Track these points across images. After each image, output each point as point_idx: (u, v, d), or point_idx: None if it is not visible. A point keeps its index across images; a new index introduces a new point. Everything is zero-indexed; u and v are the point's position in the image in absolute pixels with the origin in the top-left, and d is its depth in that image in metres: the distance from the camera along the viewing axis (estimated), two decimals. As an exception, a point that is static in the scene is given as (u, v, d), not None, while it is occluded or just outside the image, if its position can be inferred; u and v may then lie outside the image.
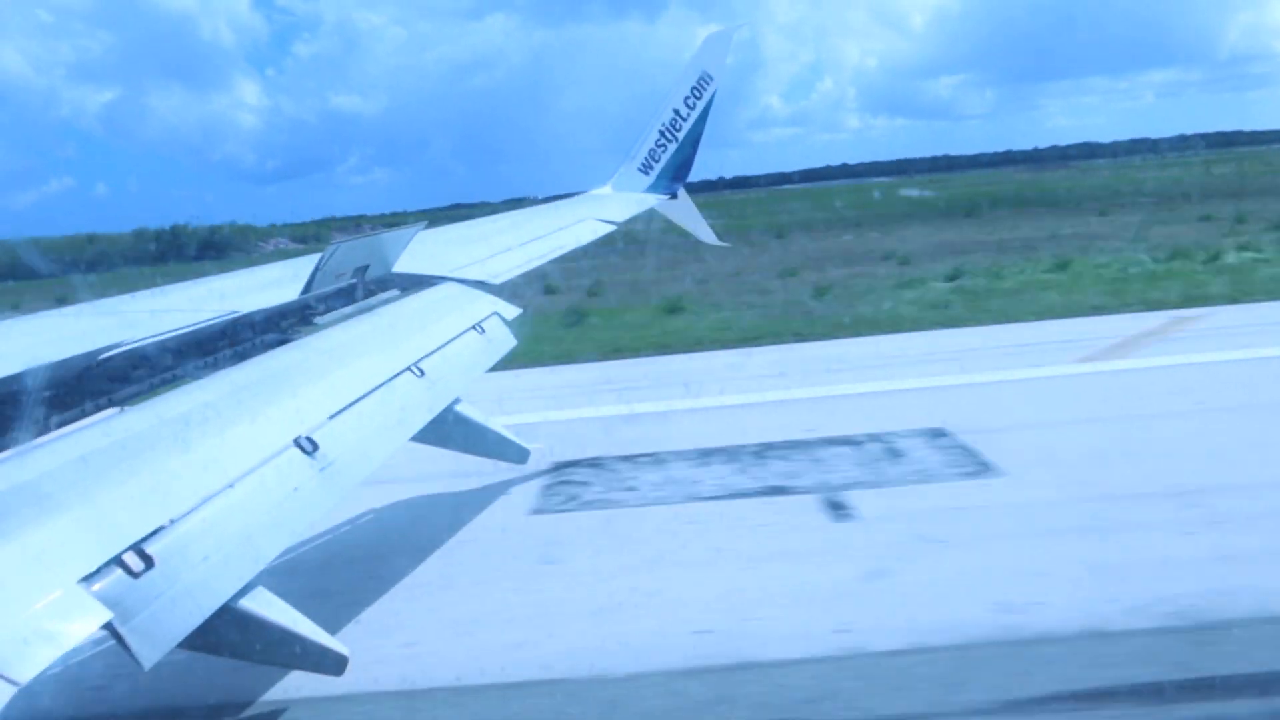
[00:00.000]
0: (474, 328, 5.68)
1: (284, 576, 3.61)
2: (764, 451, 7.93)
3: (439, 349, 5.18)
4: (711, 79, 10.80)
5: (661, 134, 10.69)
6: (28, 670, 1.99)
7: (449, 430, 5.89)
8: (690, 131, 10.72)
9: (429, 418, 4.75)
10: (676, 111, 10.75)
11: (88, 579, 2.35)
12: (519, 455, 6.66)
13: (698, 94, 10.77)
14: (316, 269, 5.35)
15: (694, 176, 10.84)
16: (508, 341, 5.92)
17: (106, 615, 2.30)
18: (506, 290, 6.47)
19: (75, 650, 2.24)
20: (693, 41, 11.27)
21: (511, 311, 6.17)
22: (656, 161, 10.49)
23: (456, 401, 5.80)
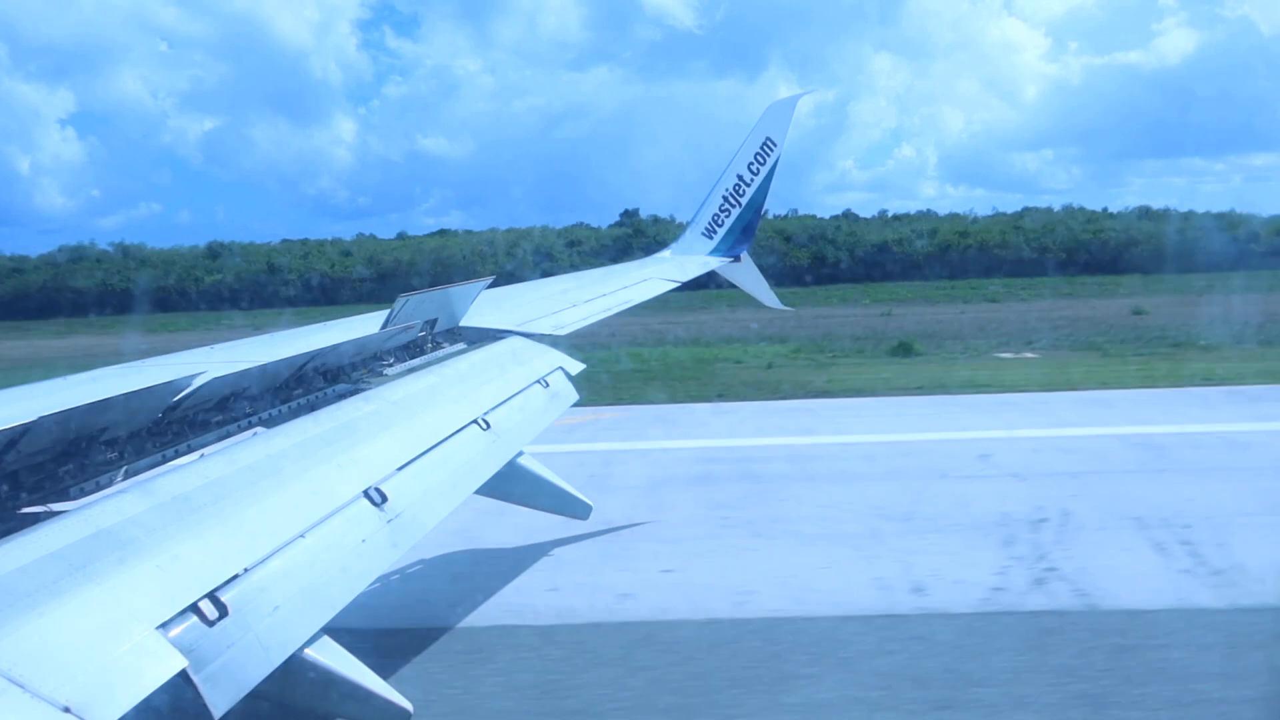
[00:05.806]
0: (539, 381, 5.68)
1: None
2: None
3: (504, 402, 5.16)
4: (775, 145, 10.85)
5: (725, 199, 10.75)
6: (110, 714, 1.98)
7: (512, 483, 5.85)
8: (753, 197, 10.76)
9: (494, 470, 4.73)
10: (740, 177, 10.81)
11: (165, 625, 2.34)
12: (581, 511, 6.55)
13: (761, 160, 10.83)
14: (387, 321, 5.41)
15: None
16: (570, 396, 5.90)
17: (182, 663, 2.28)
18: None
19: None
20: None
21: (575, 366, 6.17)
22: (720, 225, 10.54)
23: (519, 455, 5.78)
